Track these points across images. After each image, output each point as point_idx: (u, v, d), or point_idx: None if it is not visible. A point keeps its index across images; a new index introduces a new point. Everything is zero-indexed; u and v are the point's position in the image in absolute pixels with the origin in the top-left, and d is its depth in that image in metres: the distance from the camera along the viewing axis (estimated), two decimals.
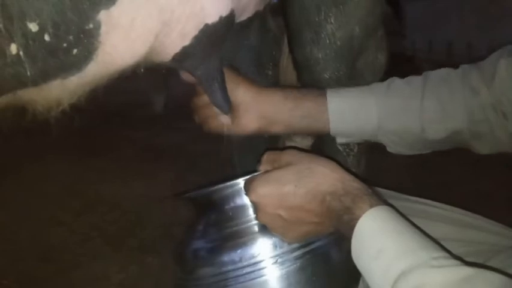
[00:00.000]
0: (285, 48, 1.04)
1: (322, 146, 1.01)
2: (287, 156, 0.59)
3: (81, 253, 1.19)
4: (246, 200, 0.61)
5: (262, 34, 0.95)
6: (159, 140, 1.81)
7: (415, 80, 0.71)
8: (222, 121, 0.71)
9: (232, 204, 0.61)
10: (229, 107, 0.69)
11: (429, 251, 0.47)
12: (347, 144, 0.95)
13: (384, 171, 1.11)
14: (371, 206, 0.51)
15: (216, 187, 0.61)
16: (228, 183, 0.61)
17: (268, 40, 0.99)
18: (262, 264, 0.58)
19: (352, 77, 0.82)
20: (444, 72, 0.71)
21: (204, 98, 0.71)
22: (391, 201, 0.74)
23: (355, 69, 0.83)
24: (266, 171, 0.58)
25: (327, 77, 0.81)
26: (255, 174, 0.60)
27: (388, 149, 0.75)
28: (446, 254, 0.48)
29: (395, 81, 0.71)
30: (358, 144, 0.94)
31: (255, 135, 0.93)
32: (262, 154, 0.62)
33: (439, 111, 0.67)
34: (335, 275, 0.62)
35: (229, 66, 0.73)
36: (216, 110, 0.70)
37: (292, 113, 0.70)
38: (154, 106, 2.45)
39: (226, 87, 0.69)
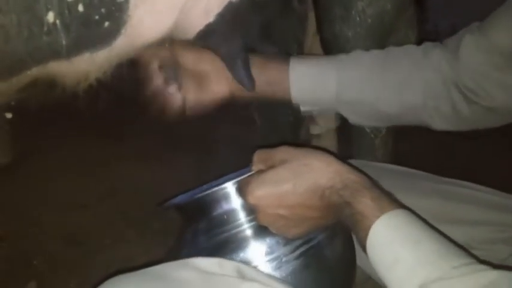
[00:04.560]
0: (310, 29, 1.02)
1: (349, 127, 0.99)
2: (280, 153, 0.57)
3: (105, 236, 1.21)
4: (235, 204, 0.58)
5: (286, 14, 0.93)
6: (181, 126, 1.81)
7: (377, 53, 0.71)
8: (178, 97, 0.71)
9: (220, 210, 0.58)
10: (253, 84, 0.69)
11: (449, 260, 0.44)
12: (375, 126, 0.93)
13: (404, 156, 1.10)
14: (372, 200, 0.49)
15: (201, 194, 0.58)
16: (214, 189, 0.58)
17: (293, 20, 0.98)
18: (259, 269, 0.56)
19: None
20: (406, 47, 0.71)
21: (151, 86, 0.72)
22: (427, 183, 0.73)
23: (385, 47, 0.81)
24: (259, 171, 0.57)
25: None
26: (247, 175, 0.57)
27: (350, 121, 0.75)
28: (469, 260, 0.44)
29: (359, 53, 0.71)
30: (387, 126, 0.93)
31: (280, 118, 0.91)
32: (253, 153, 0.59)
33: (396, 84, 0.67)
34: (333, 269, 0.61)
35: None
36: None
37: (258, 78, 0.69)
38: None
39: (249, 65, 0.69)
